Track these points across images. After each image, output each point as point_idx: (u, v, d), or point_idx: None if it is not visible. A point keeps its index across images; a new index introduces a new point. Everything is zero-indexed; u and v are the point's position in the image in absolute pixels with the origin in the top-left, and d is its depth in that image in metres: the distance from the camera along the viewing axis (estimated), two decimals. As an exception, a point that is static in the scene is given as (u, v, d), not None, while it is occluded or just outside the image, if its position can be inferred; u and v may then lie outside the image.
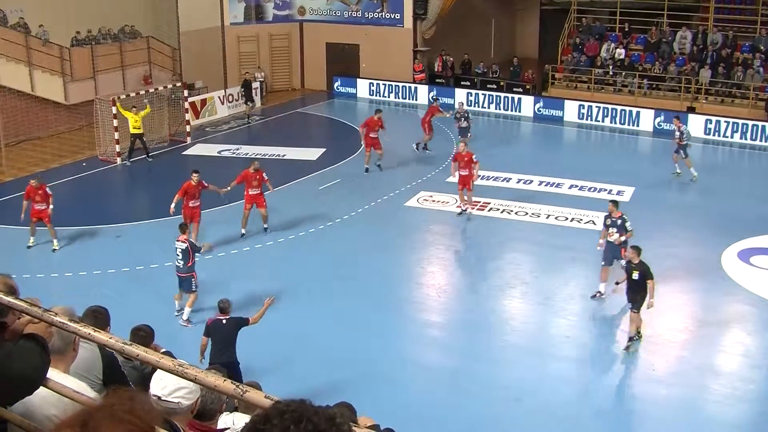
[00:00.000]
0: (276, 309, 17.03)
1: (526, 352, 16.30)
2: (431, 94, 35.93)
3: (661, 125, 32.29)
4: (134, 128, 28.49)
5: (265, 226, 21.96)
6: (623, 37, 38.23)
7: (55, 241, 21.19)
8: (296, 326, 17.01)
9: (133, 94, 30.46)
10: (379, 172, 27.06)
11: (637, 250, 16.32)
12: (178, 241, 17.37)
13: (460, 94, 36.29)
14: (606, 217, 18.55)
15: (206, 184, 20.81)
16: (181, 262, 17.31)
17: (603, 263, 18.34)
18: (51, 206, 21.01)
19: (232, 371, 12.91)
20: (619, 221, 18.15)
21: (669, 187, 25.60)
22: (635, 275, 16.10)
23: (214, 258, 20.28)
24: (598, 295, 18.19)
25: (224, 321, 13.98)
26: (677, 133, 26.24)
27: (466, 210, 23.24)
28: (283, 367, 15.38)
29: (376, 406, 11.84)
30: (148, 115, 29.23)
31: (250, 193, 21.63)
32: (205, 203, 21.16)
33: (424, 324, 17.64)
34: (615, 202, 18.81)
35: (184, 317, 17.22)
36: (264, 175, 21.71)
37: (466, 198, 23.06)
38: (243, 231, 21.81)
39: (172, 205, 20.38)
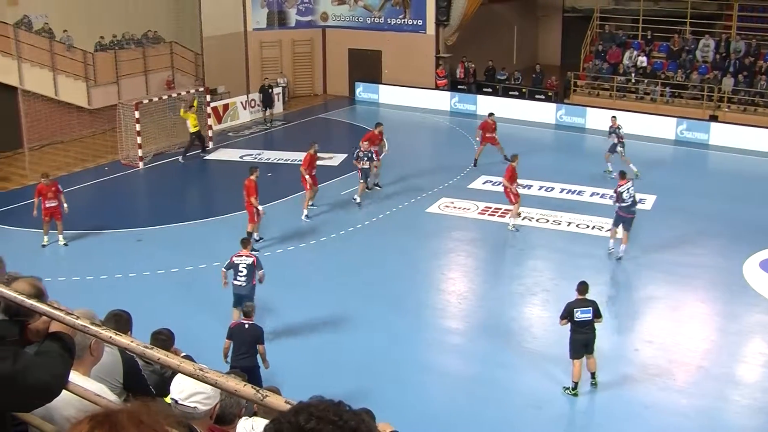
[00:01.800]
0: (296, 314, 17.08)
1: (546, 360, 16.22)
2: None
3: (683, 133, 32.14)
4: (194, 126, 29.30)
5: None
6: (646, 44, 38.11)
7: (61, 237, 21.64)
8: (316, 331, 17.03)
9: (155, 99, 30.61)
10: (388, 179, 26.76)
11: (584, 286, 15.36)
12: (240, 256, 16.37)
13: (482, 101, 36.27)
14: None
15: None
16: (244, 279, 16.25)
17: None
18: (65, 204, 21.41)
19: (253, 376, 12.92)
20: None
21: (691, 196, 25.42)
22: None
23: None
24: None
25: (247, 325, 13.98)
26: (616, 131, 27.01)
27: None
28: (303, 371, 15.37)
29: (396, 412, 11.83)
30: (179, 118, 29.73)
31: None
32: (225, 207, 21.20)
33: (444, 330, 17.61)
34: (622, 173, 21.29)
35: None
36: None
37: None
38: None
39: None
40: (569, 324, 14.93)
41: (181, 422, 4.18)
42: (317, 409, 2.17)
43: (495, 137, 28.36)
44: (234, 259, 16.34)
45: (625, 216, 20.64)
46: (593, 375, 15.14)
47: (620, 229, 20.82)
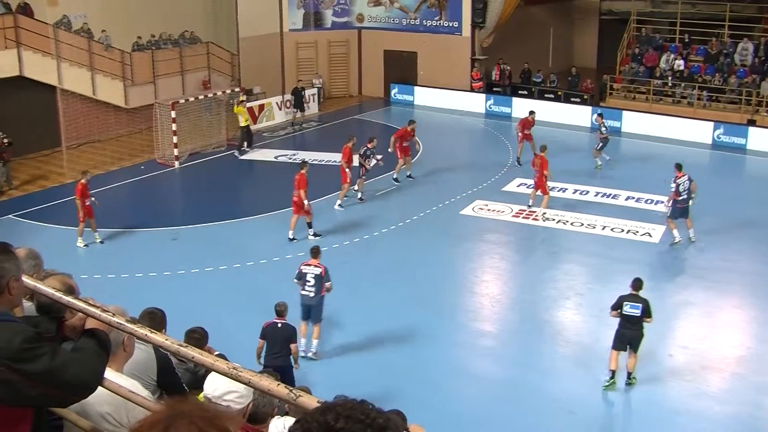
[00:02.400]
0: (329, 315, 17.09)
1: (579, 364, 16.16)
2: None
3: (720, 138, 31.86)
4: (245, 121, 30.60)
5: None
6: (683, 48, 37.82)
7: (96, 234, 21.91)
8: (349, 332, 17.05)
9: (192, 99, 30.80)
10: (423, 181, 27.13)
11: (639, 282, 15.42)
12: (308, 265, 16.00)
13: (518, 104, 36.21)
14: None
15: None
16: (313, 290, 15.80)
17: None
18: (93, 199, 21.72)
19: (285, 375, 12.94)
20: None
21: (727, 200, 25.18)
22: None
23: (269, 262, 20.42)
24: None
25: (280, 325, 13.99)
26: (602, 129, 28.35)
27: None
28: (335, 372, 15.41)
29: (428, 415, 11.83)
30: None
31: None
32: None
33: (477, 333, 17.57)
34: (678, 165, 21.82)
35: (313, 350, 16.03)
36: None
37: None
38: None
39: None
40: (618, 317, 15.00)
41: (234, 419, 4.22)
42: (344, 408, 2.18)
43: (531, 135, 28.68)
44: (302, 268, 16.01)
45: (682, 207, 21.49)
46: (629, 375, 15.13)
47: (677, 221, 21.62)
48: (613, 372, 15.03)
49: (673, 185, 21.37)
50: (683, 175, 21.40)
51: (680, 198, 21.28)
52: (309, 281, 15.76)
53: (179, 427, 2.29)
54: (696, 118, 33.07)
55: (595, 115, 28.55)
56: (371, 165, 25.16)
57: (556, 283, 19.88)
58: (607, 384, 15.06)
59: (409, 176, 27.35)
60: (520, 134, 28.92)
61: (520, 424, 14.08)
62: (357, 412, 2.18)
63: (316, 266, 15.87)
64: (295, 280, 16.06)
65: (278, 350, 13.92)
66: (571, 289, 19.44)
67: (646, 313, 14.86)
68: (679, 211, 21.51)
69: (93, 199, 21.60)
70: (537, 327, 17.67)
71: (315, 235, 21.88)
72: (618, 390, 15.25)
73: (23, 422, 3.36)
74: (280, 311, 14.10)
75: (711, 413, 14.48)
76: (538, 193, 23.97)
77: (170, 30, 35.10)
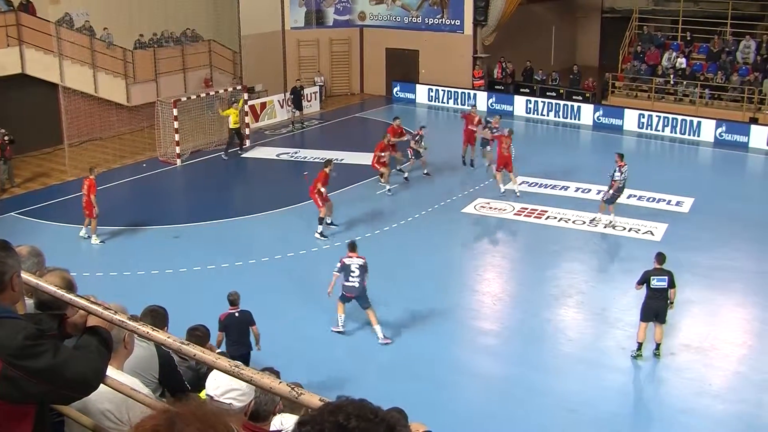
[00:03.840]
0: (330, 313, 17.10)
1: (581, 363, 16.17)
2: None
3: (722, 136, 31.83)
4: (234, 123, 29.61)
5: None
6: (685, 46, 37.78)
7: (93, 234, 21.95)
8: (350, 330, 17.05)
9: (193, 97, 30.81)
10: (424, 179, 27.13)
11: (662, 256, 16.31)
12: (350, 257, 16.60)
13: (520, 102, 36.28)
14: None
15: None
16: (357, 280, 16.48)
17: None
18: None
19: (244, 361, 13.06)
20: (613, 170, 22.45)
21: (729, 199, 25.16)
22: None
23: (271, 261, 20.42)
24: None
25: (237, 314, 14.33)
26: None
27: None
28: (335, 371, 15.42)
29: (428, 412, 11.81)
30: (217, 116, 29.90)
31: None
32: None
33: (478, 331, 17.57)
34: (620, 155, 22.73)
35: (381, 335, 16.64)
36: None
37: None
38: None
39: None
40: (645, 290, 15.89)
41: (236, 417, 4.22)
42: (353, 408, 2.19)
43: (475, 132, 27.69)
44: (345, 260, 16.59)
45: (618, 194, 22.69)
46: (658, 346, 15.93)
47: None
48: (640, 344, 15.91)
49: (618, 174, 22.36)
50: (624, 165, 22.46)
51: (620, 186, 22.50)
52: (353, 272, 16.45)
53: (181, 429, 2.29)
54: (698, 116, 33.00)
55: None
56: (421, 149, 26.19)
57: (558, 281, 19.87)
58: (635, 355, 15.92)
59: (404, 177, 27.03)
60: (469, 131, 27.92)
61: (521, 422, 14.08)
62: (366, 411, 2.19)
63: (358, 257, 16.58)
64: (335, 272, 16.68)
65: (237, 338, 14.26)
66: (572, 287, 19.44)
67: (672, 284, 15.80)
68: (615, 197, 22.66)
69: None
70: (538, 325, 17.67)
71: (322, 235, 21.99)
72: (618, 388, 15.28)
73: (25, 419, 3.36)
74: (233, 300, 14.45)
75: (713, 411, 14.48)
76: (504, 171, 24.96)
77: (172, 28, 35.11)
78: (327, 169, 22.32)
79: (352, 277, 16.45)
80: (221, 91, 32.20)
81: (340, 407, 2.20)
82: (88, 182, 21.63)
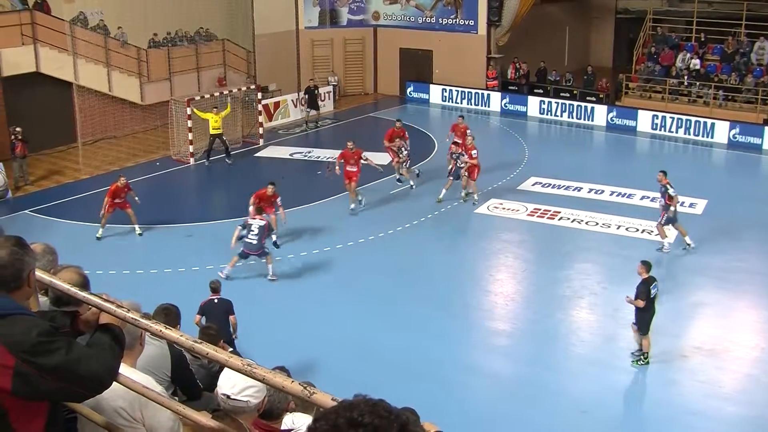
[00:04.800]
0: (343, 313, 17.11)
1: (593, 364, 16.13)
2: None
3: (736, 137, 31.72)
4: (214, 129, 28.85)
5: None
6: (699, 47, 37.67)
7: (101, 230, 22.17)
8: (361, 330, 17.06)
9: (207, 96, 30.87)
10: (438, 179, 26.39)
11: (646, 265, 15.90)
12: (255, 219, 19.05)
13: (533, 102, 36.27)
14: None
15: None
16: (256, 238, 18.80)
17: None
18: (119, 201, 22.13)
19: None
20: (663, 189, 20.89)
21: (742, 200, 25.08)
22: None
23: (284, 260, 20.43)
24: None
25: (216, 300, 14.78)
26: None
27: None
28: (347, 370, 15.40)
29: (440, 413, 11.80)
30: (227, 116, 29.69)
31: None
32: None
33: (490, 332, 17.55)
34: (663, 172, 21.14)
35: (270, 272, 19.33)
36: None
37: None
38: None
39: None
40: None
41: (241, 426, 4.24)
42: (367, 405, 2.23)
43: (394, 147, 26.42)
44: (249, 220, 19.16)
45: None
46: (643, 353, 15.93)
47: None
48: (647, 353, 15.86)
49: (672, 190, 20.78)
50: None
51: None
52: (254, 230, 18.83)
53: None
54: (712, 118, 32.90)
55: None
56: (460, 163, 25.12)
57: (570, 282, 19.84)
58: (644, 361, 15.83)
59: (398, 180, 26.47)
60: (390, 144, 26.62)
61: (532, 423, 14.06)
62: (380, 409, 2.22)
63: (261, 219, 19.04)
64: (239, 227, 19.29)
65: (217, 325, 14.25)
66: (585, 288, 19.40)
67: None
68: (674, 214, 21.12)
69: (118, 201, 21.81)
70: (551, 326, 17.64)
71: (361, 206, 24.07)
72: (630, 389, 15.25)
73: (38, 416, 3.38)
74: (215, 288, 15.04)
75: (724, 414, 14.42)
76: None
77: (186, 27, 35.20)
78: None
79: (252, 235, 18.76)
80: (235, 90, 32.26)
81: (355, 404, 2.24)
82: (112, 186, 21.97)
